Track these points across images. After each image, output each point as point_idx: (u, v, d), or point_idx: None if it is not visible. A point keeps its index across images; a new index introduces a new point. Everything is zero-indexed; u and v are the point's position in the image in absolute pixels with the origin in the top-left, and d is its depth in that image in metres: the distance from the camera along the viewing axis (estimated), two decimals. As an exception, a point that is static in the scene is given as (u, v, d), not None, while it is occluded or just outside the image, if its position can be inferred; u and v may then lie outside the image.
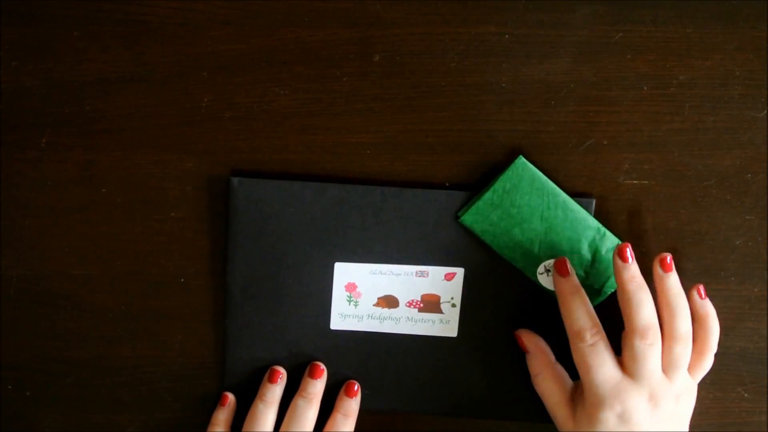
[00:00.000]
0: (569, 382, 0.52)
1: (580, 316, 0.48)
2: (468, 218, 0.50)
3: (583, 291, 0.49)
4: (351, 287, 0.52)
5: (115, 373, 0.54)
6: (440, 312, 0.53)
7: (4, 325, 0.53)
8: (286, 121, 0.50)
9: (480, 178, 0.51)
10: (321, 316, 0.52)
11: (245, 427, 0.51)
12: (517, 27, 0.48)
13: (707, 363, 0.50)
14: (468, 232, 0.51)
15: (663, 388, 0.47)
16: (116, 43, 0.48)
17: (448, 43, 0.48)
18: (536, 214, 0.50)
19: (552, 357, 0.52)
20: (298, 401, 0.52)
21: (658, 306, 0.49)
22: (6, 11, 0.48)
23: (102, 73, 0.49)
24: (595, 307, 0.49)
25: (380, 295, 0.52)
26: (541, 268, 0.51)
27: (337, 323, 0.53)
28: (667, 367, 0.48)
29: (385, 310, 0.53)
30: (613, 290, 0.51)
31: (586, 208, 0.50)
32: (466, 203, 0.50)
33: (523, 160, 0.50)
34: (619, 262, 0.48)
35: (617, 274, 0.48)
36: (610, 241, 0.51)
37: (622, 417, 0.47)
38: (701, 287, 0.50)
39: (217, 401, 0.54)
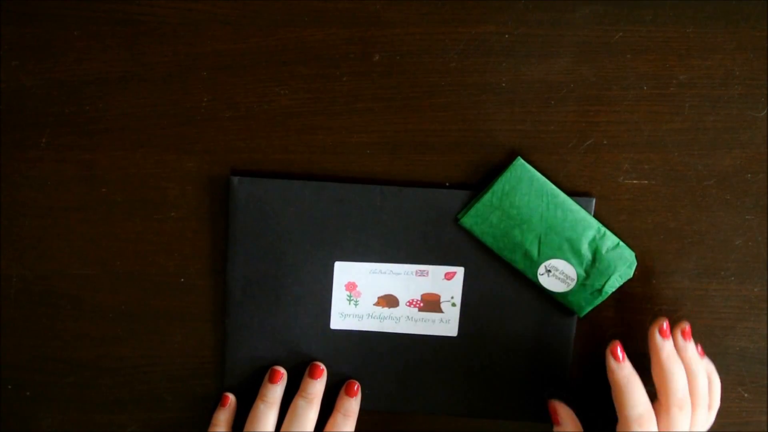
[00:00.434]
0: None
1: (640, 402, 0.48)
2: (468, 220, 0.50)
3: (636, 375, 0.49)
4: (351, 286, 0.52)
5: (115, 373, 0.54)
6: (440, 311, 0.52)
7: (4, 325, 0.53)
8: (286, 120, 0.50)
9: (480, 178, 0.51)
10: (321, 315, 0.52)
11: (247, 428, 0.51)
12: (517, 27, 0.48)
13: (712, 418, 0.51)
14: (468, 232, 0.51)
15: None
16: (116, 43, 0.48)
17: (447, 43, 0.48)
18: (536, 214, 0.50)
19: (581, 429, 0.52)
20: (299, 401, 0.52)
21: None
22: (6, 11, 0.48)
23: (102, 73, 0.49)
24: (594, 310, 0.49)
25: (380, 295, 0.52)
26: (541, 269, 0.51)
27: (337, 323, 0.53)
28: None
29: (385, 309, 0.53)
30: (613, 290, 0.51)
31: (586, 207, 0.50)
32: (466, 203, 0.50)
33: (522, 161, 0.50)
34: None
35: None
36: (611, 240, 0.50)
37: None
38: (699, 346, 0.51)
39: (217, 401, 0.54)
